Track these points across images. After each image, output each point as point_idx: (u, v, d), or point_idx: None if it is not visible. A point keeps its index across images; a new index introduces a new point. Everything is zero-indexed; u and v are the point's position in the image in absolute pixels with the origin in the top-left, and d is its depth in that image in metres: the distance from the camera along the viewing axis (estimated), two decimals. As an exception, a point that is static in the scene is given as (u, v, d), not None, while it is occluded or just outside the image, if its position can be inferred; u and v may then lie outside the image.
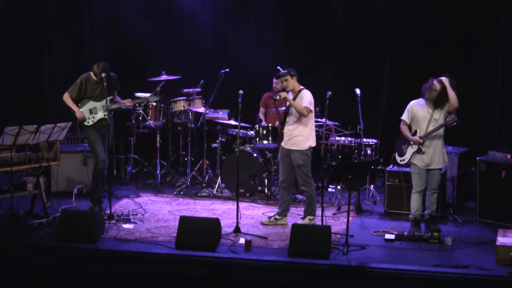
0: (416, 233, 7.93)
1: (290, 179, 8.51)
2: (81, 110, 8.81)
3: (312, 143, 8.37)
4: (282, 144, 8.44)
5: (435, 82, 8.04)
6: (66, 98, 8.87)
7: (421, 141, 8.05)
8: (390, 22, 10.75)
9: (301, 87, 8.36)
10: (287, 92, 8.36)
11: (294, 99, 8.28)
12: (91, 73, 8.84)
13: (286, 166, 8.44)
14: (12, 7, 11.42)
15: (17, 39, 11.50)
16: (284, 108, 8.52)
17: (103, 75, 8.63)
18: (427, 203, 8.25)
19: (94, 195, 8.92)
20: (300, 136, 8.29)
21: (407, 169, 8.85)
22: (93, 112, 8.85)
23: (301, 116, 8.24)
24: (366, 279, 6.99)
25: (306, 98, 8.24)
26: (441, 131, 8.07)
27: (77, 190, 9.31)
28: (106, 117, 8.77)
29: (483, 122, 10.35)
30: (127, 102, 9.10)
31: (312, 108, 8.27)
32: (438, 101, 8.03)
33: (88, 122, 8.85)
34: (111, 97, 8.88)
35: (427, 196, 8.22)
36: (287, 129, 8.39)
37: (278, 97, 8.34)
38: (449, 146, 9.06)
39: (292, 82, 8.33)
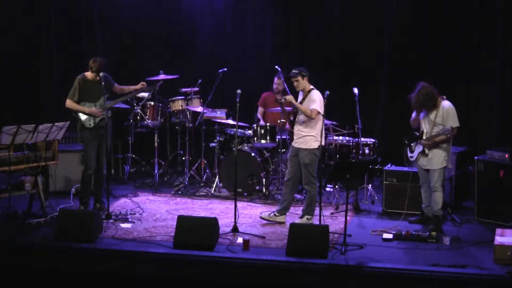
0: (413, 233, 7.93)
1: (295, 179, 8.49)
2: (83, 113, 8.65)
3: (321, 143, 8.36)
4: (292, 143, 8.44)
5: (413, 95, 8.11)
6: (70, 104, 8.66)
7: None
8: (390, 21, 10.75)
9: (311, 87, 8.36)
10: (298, 92, 8.39)
11: (303, 99, 8.29)
12: (85, 73, 8.70)
13: (293, 165, 8.43)
14: (12, 7, 11.42)
15: (17, 39, 11.51)
16: (291, 108, 8.53)
17: (101, 74, 8.59)
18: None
19: (83, 198, 8.85)
20: (309, 135, 8.28)
21: (405, 169, 8.87)
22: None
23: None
24: (364, 278, 6.99)
25: (315, 99, 8.21)
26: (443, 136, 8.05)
27: (75, 190, 9.27)
28: (104, 116, 8.72)
29: (481, 121, 10.35)
30: (139, 85, 8.97)
31: (321, 109, 8.19)
32: (426, 107, 8.10)
33: (90, 124, 8.69)
34: (107, 95, 8.76)
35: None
36: (297, 128, 8.38)
37: (283, 100, 8.34)
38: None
39: (303, 83, 8.31)
